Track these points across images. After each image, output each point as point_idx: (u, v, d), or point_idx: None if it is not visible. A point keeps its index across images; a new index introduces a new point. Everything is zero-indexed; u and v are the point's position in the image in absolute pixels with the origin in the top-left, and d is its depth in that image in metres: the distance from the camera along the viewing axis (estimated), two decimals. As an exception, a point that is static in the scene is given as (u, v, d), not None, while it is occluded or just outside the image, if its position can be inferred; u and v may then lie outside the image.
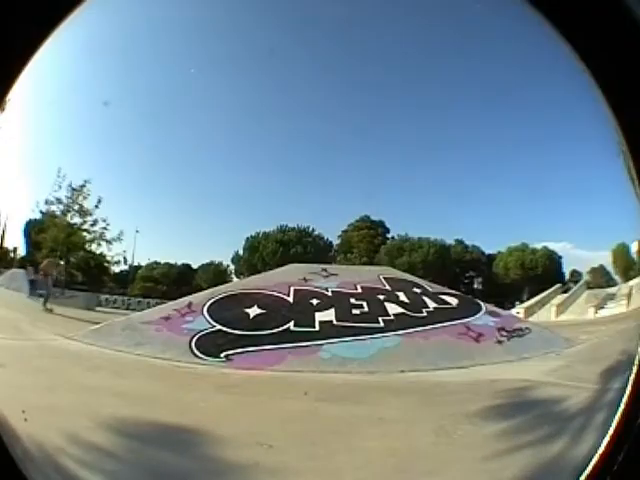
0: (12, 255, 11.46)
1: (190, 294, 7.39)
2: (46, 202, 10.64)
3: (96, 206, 10.79)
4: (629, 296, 9.73)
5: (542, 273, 14.71)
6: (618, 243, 10.18)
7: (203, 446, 2.88)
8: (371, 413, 3.66)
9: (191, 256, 15.72)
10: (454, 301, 7.44)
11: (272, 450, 2.80)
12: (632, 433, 1.04)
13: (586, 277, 13.44)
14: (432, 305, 7.12)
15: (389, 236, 16.93)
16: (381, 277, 7.95)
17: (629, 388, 1.09)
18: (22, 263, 11.46)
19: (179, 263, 16.34)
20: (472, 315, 6.91)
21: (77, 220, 11.11)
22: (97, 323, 6.62)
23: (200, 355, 5.58)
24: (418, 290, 7.63)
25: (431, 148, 13.33)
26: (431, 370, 5.35)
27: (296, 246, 15.30)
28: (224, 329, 6.09)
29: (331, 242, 17.11)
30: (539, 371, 4.98)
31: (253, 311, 6.54)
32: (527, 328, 6.72)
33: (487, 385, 4.69)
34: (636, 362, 1.11)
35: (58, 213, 11.04)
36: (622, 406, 1.09)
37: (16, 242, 11.53)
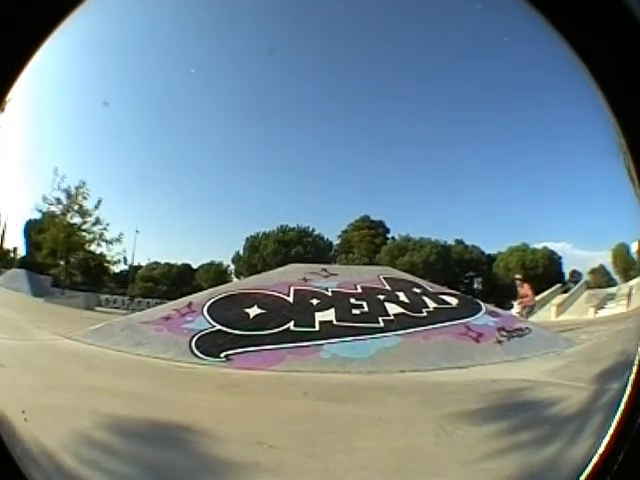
0: (12, 255, 11.45)
1: (190, 294, 7.39)
2: (46, 202, 10.65)
3: (96, 206, 10.79)
4: (629, 296, 9.72)
5: (542, 273, 14.70)
6: (618, 243, 10.16)
7: (203, 446, 2.88)
8: (371, 413, 3.66)
9: (191, 256, 15.71)
10: (454, 301, 7.44)
11: (272, 450, 2.80)
12: (632, 433, 1.04)
13: (586, 277, 13.43)
14: (432, 305, 7.12)
15: (389, 236, 16.94)
16: (381, 277, 7.95)
17: (629, 388, 1.09)
18: (22, 263, 11.45)
19: (179, 263, 16.34)
20: (472, 315, 6.91)
21: (77, 220, 11.11)
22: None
23: (200, 355, 5.58)
24: (418, 290, 7.63)
25: (431, 148, 13.31)
26: (431, 370, 5.35)
27: (297, 246, 15.29)
28: (224, 329, 6.09)
29: (331, 242, 17.12)
30: (539, 371, 4.98)
31: (253, 311, 6.54)
32: (527, 328, 6.72)
33: (487, 385, 4.69)
34: (636, 362, 1.11)
35: (58, 213, 11.04)
36: (622, 406, 1.09)
37: (16, 242, 11.51)
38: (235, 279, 14.99)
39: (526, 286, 10.88)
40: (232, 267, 16.30)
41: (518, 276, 11.42)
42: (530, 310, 10.50)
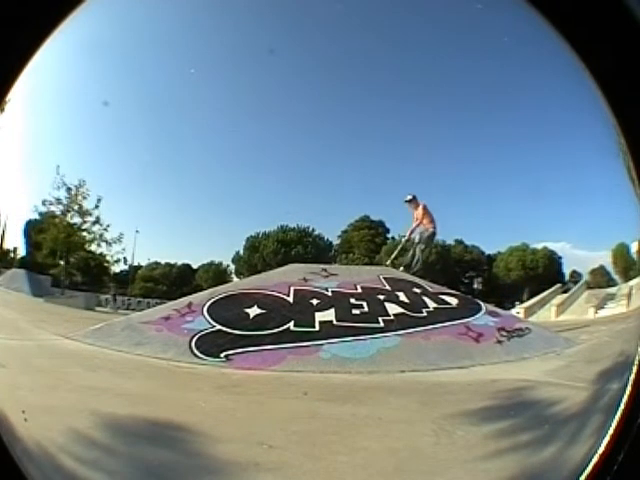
0: (12, 255, 11.46)
1: (190, 294, 7.39)
2: (46, 202, 10.66)
3: (96, 206, 10.82)
4: (629, 296, 9.73)
5: (542, 273, 14.72)
6: (618, 243, 10.18)
7: (203, 445, 2.88)
8: (371, 413, 3.66)
9: (191, 256, 15.75)
10: (454, 301, 7.44)
11: (272, 450, 2.80)
12: (632, 433, 1.05)
13: (586, 277, 13.44)
14: (432, 305, 7.12)
15: (389, 236, 16.97)
16: (381, 277, 7.95)
17: (629, 388, 1.10)
18: (22, 263, 11.46)
19: (179, 263, 16.37)
20: (472, 315, 6.91)
21: (77, 220, 11.13)
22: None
23: (200, 355, 5.58)
24: (418, 290, 7.63)
25: (431, 148, 13.34)
26: (431, 370, 5.35)
27: (297, 246, 15.31)
28: (224, 329, 6.08)
29: (331, 242, 17.14)
30: (539, 371, 4.98)
31: (253, 311, 6.54)
32: (527, 328, 6.72)
33: (487, 385, 4.69)
34: (636, 362, 1.11)
35: (58, 213, 11.06)
36: (622, 406, 1.09)
37: (16, 242, 11.52)
38: (235, 279, 15.02)
39: (422, 208, 9.30)
40: (232, 267, 16.34)
41: (409, 197, 9.50)
42: (431, 236, 9.12)
